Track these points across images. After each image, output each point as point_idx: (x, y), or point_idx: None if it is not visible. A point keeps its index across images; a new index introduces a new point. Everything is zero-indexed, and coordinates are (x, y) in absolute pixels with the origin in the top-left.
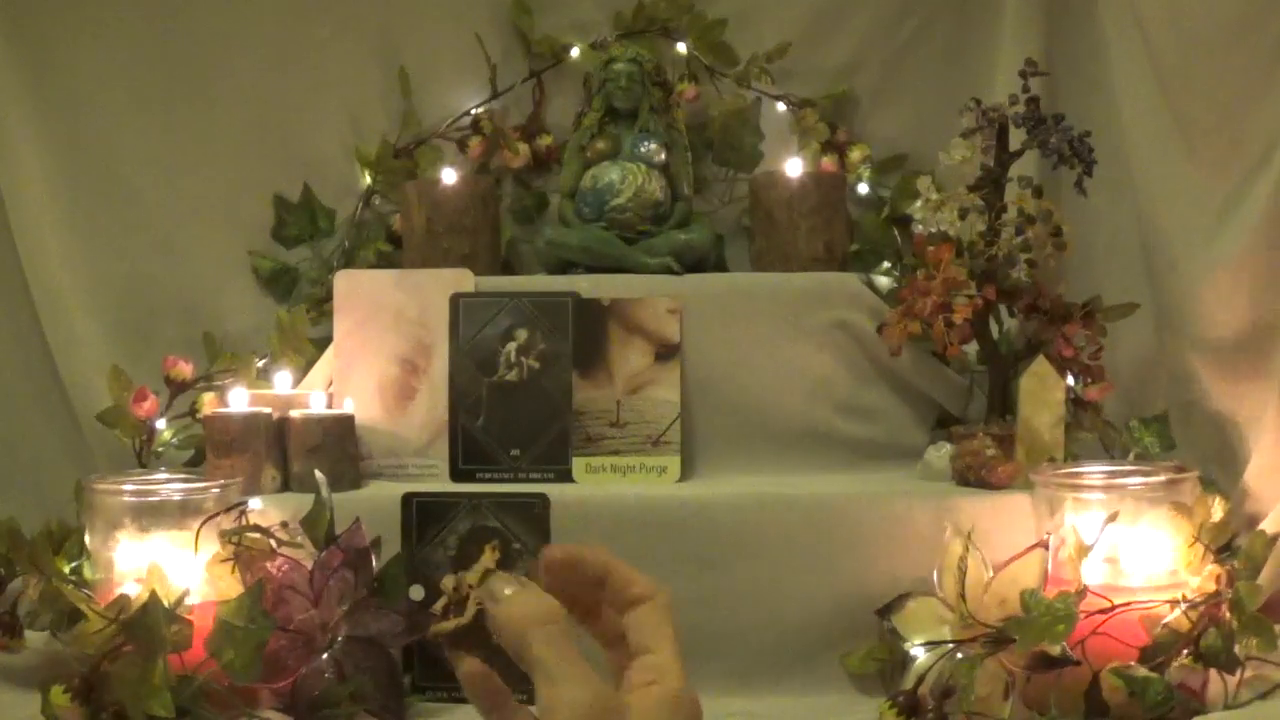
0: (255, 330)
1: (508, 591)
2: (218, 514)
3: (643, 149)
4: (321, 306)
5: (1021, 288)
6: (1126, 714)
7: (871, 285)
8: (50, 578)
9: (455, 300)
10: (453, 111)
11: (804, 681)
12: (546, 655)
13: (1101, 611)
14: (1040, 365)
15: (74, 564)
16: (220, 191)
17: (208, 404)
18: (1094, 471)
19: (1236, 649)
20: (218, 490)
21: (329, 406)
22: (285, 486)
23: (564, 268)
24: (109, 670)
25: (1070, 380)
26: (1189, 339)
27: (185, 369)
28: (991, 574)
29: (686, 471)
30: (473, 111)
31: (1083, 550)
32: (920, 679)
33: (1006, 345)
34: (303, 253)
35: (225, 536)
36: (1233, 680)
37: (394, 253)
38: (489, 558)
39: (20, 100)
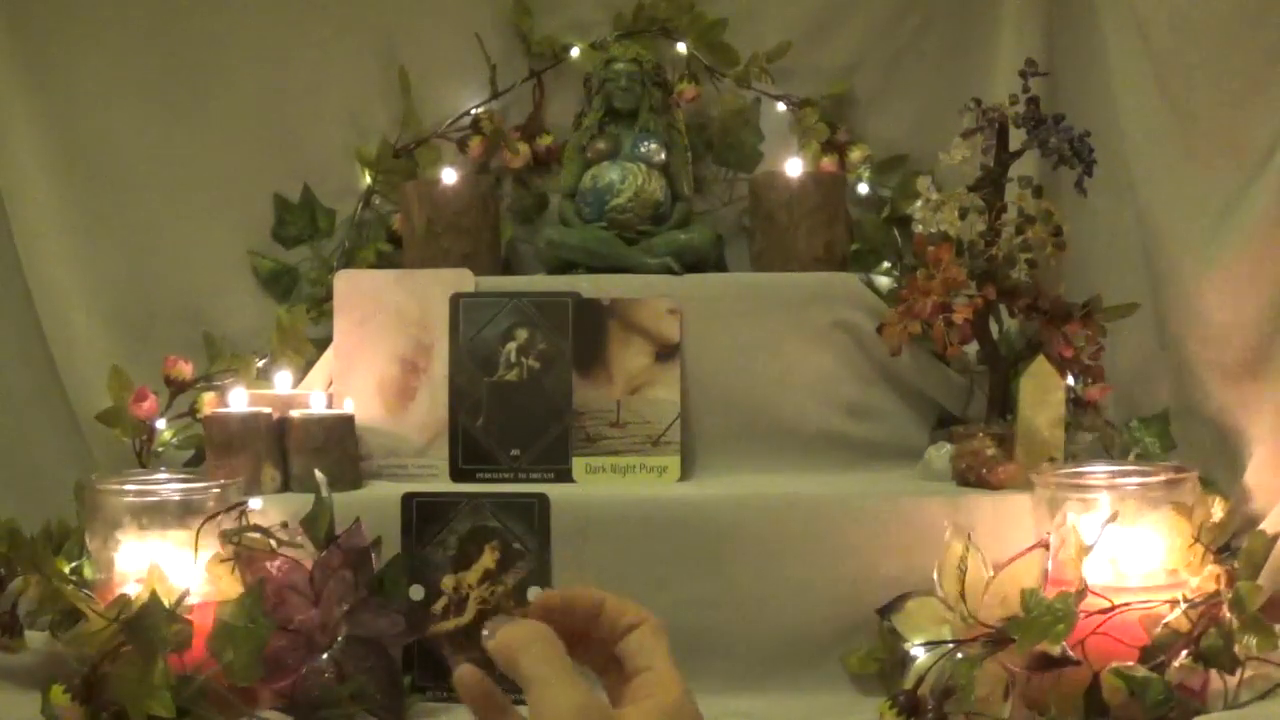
0: (255, 330)
1: (501, 628)
2: (218, 514)
3: (643, 149)
4: (321, 306)
5: (1021, 288)
6: (1126, 714)
7: (871, 285)
8: (50, 578)
9: (455, 300)
10: (453, 111)
11: (804, 681)
12: (535, 666)
13: (1101, 611)
14: (1040, 365)
15: (74, 564)
16: (220, 191)
17: (208, 404)
18: (1094, 471)
19: (1236, 649)
20: (218, 490)
21: (329, 406)
22: (285, 486)
23: (564, 268)
24: (109, 670)
25: (1070, 380)
26: (1189, 339)
27: (185, 369)
28: (991, 574)
29: (686, 471)
30: (473, 111)
31: (1083, 550)
32: (920, 679)
33: (1006, 345)
34: (303, 253)
35: (225, 536)
36: (1233, 680)
37: (394, 253)
38: (489, 558)
39: (20, 100)
